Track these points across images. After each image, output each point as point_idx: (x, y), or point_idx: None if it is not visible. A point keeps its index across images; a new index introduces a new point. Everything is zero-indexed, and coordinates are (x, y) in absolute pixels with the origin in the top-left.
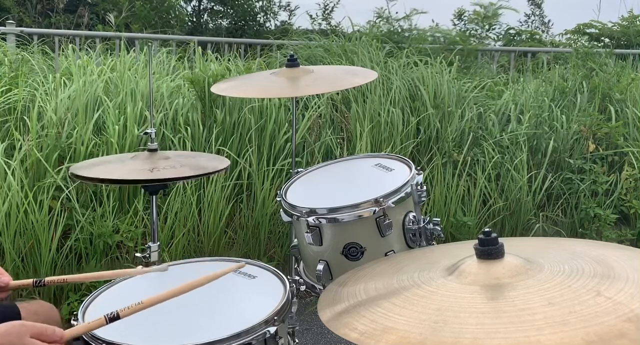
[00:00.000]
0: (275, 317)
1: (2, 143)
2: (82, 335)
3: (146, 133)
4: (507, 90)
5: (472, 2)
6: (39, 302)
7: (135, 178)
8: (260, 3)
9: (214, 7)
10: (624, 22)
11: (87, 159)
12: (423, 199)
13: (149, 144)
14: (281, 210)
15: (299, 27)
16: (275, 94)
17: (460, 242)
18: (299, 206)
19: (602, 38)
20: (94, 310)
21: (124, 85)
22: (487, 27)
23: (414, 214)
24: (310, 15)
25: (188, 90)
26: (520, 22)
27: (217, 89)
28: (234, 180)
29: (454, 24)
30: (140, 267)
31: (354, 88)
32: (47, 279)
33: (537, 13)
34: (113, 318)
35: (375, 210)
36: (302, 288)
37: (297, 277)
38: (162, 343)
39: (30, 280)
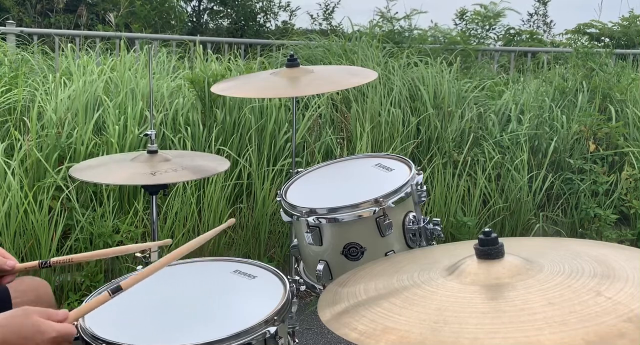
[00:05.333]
0: (275, 317)
1: (2, 143)
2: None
3: (146, 134)
4: (508, 90)
5: (473, 2)
6: (28, 278)
7: (137, 183)
8: (261, 4)
9: (214, 7)
10: (625, 22)
11: (87, 159)
12: (423, 199)
13: (149, 145)
14: (281, 210)
15: (299, 27)
16: (275, 94)
17: (460, 242)
18: (299, 206)
19: (603, 38)
20: (94, 310)
21: (124, 85)
22: (487, 27)
23: (414, 214)
24: (311, 16)
25: (188, 90)
26: (523, 21)
27: (217, 89)
28: (234, 180)
29: (455, 24)
30: (140, 266)
31: (354, 88)
32: (53, 259)
33: (541, 12)
34: (116, 290)
35: (375, 210)
36: (302, 288)
37: (297, 277)
38: (161, 343)
39: (36, 262)
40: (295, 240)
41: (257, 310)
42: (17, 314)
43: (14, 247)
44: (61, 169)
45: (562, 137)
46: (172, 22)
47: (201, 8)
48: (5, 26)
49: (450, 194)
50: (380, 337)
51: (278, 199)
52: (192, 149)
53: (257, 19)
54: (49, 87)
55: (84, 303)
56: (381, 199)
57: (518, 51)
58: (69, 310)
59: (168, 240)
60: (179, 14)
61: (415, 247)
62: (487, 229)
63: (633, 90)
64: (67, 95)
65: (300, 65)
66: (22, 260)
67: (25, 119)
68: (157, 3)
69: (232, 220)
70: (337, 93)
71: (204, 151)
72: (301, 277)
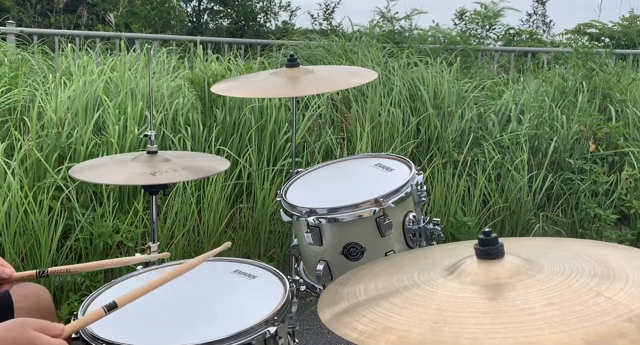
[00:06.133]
0: (275, 317)
1: (2, 143)
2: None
3: (146, 135)
4: (508, 90)
5: (473, 1)
6: (29, 285)
7: (137, 183)
8: (261, 3)
9: (214, 7)
10: (625, 22)
11: (87, 159)
12: (423, 199)
13: (149, 146)
14: (281, 210)
15: (299, 27)
16: (275, 94)
17: (460, 242)
18: (299, 206)
19: (603, 38)
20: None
21: (124, 85)
22: (487, 27)
23: (414, 214)
24: (311, 15)
25: (188, 90)
26: (522, 21)
27: (217, 89)
28: (234, 180)
29: (455, 24)
30: (140, 266)
31: (354, 88)
32: (50, 269)
33: (540, 12)
34: (111, 307)
35: (375, 210)
36: (302, 288)
37: (297, 277)
38: (162, 343)
39: (33, 272)
40: (295, 240)
41: (257, 310)
42: (15, 327)
43: (14, 247)
44: (61, 169)
45: (562, 137)
46: (172, 22)
47: (201, 8)
48: (5, 26)
49: (450, 194)
50: (380, 337)
51: (278, 199)
52: (192, 149)
53: (257, 19)
54: (49, 87)
55: (80, 315)
56: (381, 199)
57: (518, 51)
58: (69, 312)
59: (166, 253)
60: (179, 14)
61: (415, 247)
62: (487, 229)
63: (633, 90)
64: (67, 95)
65: (300, 66)
66: (22, 260)
67: (25, 119)
68: (157, 3)
69: (228, 244)
70: (337, 93)
71: (204, 151)
72: (301, 277)
